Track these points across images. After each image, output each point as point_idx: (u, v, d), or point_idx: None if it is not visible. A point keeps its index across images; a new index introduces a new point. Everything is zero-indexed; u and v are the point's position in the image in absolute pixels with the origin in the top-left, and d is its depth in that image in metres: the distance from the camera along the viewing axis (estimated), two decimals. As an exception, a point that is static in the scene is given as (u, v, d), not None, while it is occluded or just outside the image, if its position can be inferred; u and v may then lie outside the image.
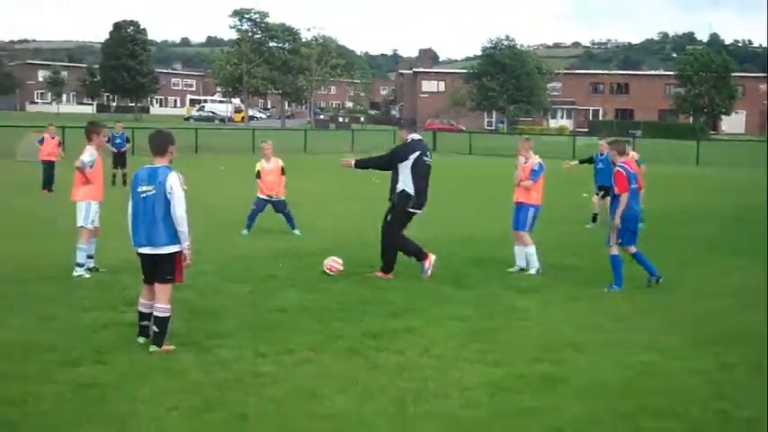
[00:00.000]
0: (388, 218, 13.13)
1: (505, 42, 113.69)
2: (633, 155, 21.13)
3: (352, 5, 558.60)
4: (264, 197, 17.22)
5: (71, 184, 13.16)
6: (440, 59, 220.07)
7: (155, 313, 8.66)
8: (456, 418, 6.96)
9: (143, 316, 8.89)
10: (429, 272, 12.92)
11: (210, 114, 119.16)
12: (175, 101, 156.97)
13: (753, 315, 10.97)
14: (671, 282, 13.17)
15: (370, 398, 7.39)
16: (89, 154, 12.81)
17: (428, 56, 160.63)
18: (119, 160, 27.71)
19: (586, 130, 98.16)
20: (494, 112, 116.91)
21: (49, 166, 25.66)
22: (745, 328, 10.27)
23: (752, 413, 7.25)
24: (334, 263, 12.96)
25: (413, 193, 12.81)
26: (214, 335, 9.25)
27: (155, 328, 8.64)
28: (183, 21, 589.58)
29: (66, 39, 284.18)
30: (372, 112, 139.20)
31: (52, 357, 8.27)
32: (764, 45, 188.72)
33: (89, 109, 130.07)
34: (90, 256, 12.72)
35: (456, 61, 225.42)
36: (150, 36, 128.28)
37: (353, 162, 13.59)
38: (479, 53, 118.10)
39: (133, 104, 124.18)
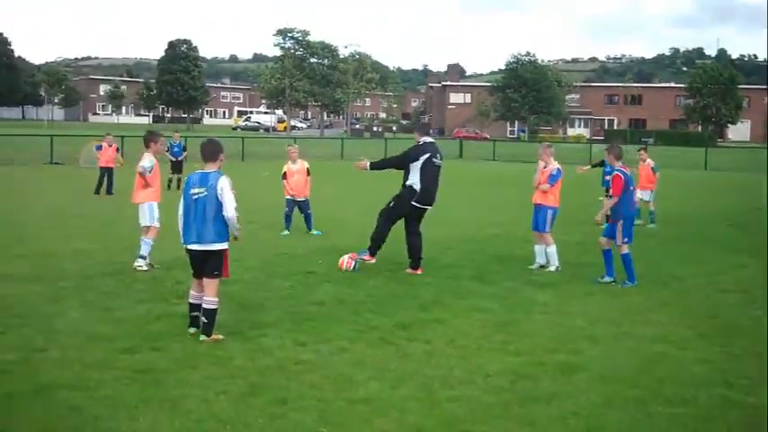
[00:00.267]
0: (391, 204, 13.17)
1: (527, 58, 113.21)
2: (649, 162, 21.10)
3: (387, 24, 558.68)
4: (290, 197, 17.19)
5: (130, 189, 13.29)
6: (466, 73, 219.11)
7: (204, 305, 8.72)
8: (479, 403, 6.93)
9: (193, 307, 8.94)
10: (354, 264, 12.85)
11: (256, 124, 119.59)
12: (224, 112, 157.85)
13: (757, 309, 10.83)
14: (681, 277, 13.08)
15: (400, 383, 7.38)
16: (148, 160, 12.95)
17: (456, 70, 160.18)
18: (176, 167, 27.88)
19: (602, 138, 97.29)
20: (516, 121, 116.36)
21: (107, 172, 25.83)
22: (750, 322, 10.17)
23: (756, 400, 7.18)
24: (350, 259, 13.02)
25: (418, 190, 12.81)
26: (258, 325, 9.29)
27: (204, 319, 8.69)
28: (231, 39, 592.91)
29: (125, 56, 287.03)
30: (404, 122, 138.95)
31: (112, 346, 8.35)
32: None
33: (146, 120, 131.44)
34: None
35: (481, 75, 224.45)
36: (202, 53, 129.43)
37: (369, 164, 13.60)
38: (503, 67, 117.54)
39: (186, 116, 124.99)
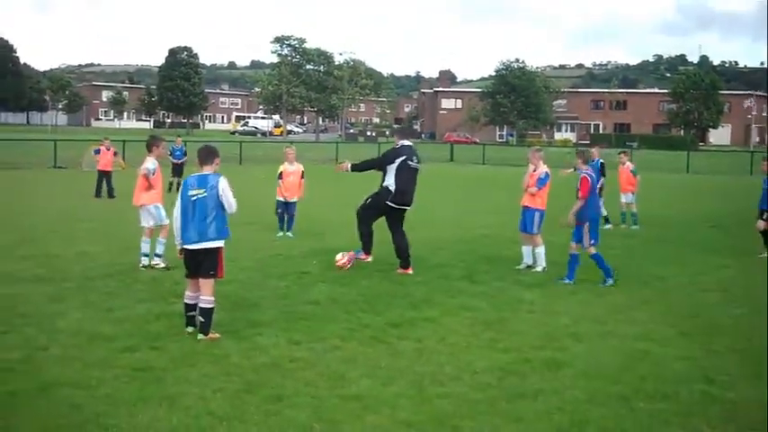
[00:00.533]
0: (368, 201, 13.21)
1: (516, 64, 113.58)
2: (629, 165, 21.15)
3: (380, 32, 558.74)
4: (281, 199, 17.11)
5: (131, 192, 13.26)
6: (457, 80, 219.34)
7: (200, 305, 8.72)
8: (468, 399, 6.93)
9: (189, 308, 8.94)
10: (350, 263, 12.90)
11: (254, 129, 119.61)
12: (223, 117, 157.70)
13: (737, 308, 10.86)
14: (663, 277, 13.11)
15: (391, 380, 7.38)
16: (151, 162, 12.96)
17: (447, 77, 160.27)
18: (177, 170, 27.87)
19: (588, 142, 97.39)
20: (505, 126, 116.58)
21: (105, 176, 25.73)
22: (730, 320, 10.20)
23: (736, 395, 7.19)
24: (348, 259, 13.03)
25: (393, 191, 12.84)
26: (254, 324, 9.27)
27: (201, 319, 8.69)
28: (230, 46, 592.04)
29: (127, 63, 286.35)
30: (396, 127, 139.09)
31: (112, 345, 8.32)
32: (748, 65, 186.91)
33: (147, 125, 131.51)
34: (146, 255, 12.83)
35: (472, 81, 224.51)
36: (201, 60, 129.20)
37: (350, 166, 13.61)
38: (493, 74, 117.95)
39: (186, 121, 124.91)
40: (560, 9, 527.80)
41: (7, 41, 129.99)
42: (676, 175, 45.67)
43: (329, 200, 24.16)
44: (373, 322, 9.54)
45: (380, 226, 13.45)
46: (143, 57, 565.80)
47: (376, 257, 13.34)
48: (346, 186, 29.58)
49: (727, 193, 32.59)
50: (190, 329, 8.84)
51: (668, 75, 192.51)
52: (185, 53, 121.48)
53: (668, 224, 20.87)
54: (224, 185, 8.81)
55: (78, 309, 9.94)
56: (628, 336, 9.25)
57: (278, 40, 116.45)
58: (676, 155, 60.05)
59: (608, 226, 19.55)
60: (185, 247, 8.85)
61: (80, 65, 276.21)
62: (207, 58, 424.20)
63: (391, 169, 12.90)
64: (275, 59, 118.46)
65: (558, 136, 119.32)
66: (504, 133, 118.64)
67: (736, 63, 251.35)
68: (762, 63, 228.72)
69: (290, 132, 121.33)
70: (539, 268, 13.30)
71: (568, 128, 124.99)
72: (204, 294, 8.70)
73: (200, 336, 8.60)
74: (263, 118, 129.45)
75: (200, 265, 8.78)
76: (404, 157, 12.93)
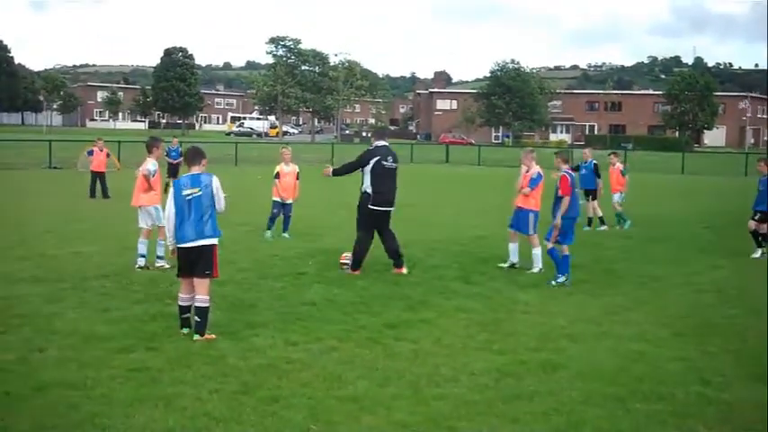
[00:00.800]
0: (358, 217, 13.14)
1: (511, 65, 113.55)
2: (618, 166, 21.27)
3: (376, 33, 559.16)
4: (278, 200, 17.07)
5: (127, 192, 13.25)
6: (453, 81, 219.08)
7: (196, 304, 8.72)
8: (465, 400, 6.94)
9: (183, 309, 8.96)
10: (348, 269, 12.89)
11: (249, 130, 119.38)
12: (218, 118, 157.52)
13: (731, 309, 10.91)
14: (658, 278, 13.14)
15: (388, 382, 7.39)
16: (152, 164, 12.97)
17: (442, 78, 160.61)
18: (173, 171, 27.86)
19: (583, 143, 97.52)
20: (500, 127, 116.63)
21: (98, 177, 25.64)
22: (725, 321, 10.22)
23: (731, 396, 7.21)
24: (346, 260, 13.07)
25: (371, 193, 12.78)
26: (251, 325, 9.27)
27: (197, 318, 8.70)
28: (225, 47, 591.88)
29: (122, 63, 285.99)
30: (392, 128, 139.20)
31: (108, 345, 8.31)
32: (742, 67, 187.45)
33: (142, 125, 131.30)
34: (143, 255, 12.82)
35: (467, 82, 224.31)
36: (197, 61, 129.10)
37: (332, 171, 13.60)
38: (488, 75, 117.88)
39: (181, 121, 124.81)
40: (555, 10, 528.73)
41: (1, 41, 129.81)
42: (671, 176, 45.77)
43: (325, 201, 24.15)
44: (370, 323, 9.54)
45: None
46: (138, 57, 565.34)
47: (372, 258, 13.33)
48: (342, 187, 29.60)
49: (721, 194, 32.66)
50: (185, 331, 8.84)
51: (663, 76, 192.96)
52: (180, 54, 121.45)
53: (663, 224, 20.91)
54: (217, 184, 8.97)
55: (74, 309, 9.92)
56: (623, 337, 9.27)
57: (273, 40, 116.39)
58: (671, 156, 60.20)
59: (603, 227, 19.60)
60: (180, 245, 8.87)
61: (75, 65, 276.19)
62: (202, 58, 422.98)
63: (366, 171, 12.82)
64: (270, 60, 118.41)
65: (553, 137, 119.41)
66: (500, 134, 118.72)
67: (731, 65, 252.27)
68: (756, 65, 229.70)
69: (285, 133, 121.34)
70: (535, 269, 13.30)
71: (564, 129, 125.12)
72: (199, 294, 8.72)
73: (196, 336, 8.60)
74: (258, 119, 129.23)
75: (195, 264, 8.80)
76: (377, 158, 12.83)
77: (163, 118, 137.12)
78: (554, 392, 7.18)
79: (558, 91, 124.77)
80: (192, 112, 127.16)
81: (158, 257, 12.82)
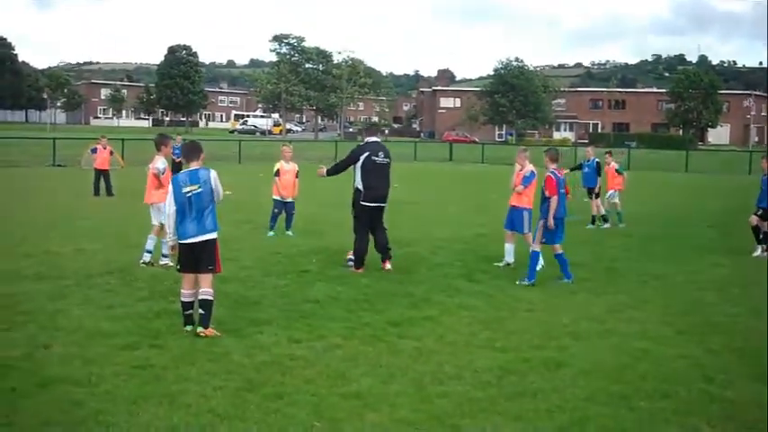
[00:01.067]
0: (353, 215, 13.14)
1: (515, 63, 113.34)
2: (614, 164, 21.30)
3: (379, 31, 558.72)
4: (279, 198, 17.07)
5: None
6: (456, 79, 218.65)
7: (200, 297, 8.74)
8: (468, 398, 6.95)
9: (186, 306, 8.98)
10: (351, 267, 12.90)
11: (253, 128, 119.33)
12: (222, 116, 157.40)
13: (734, 307, 10.90)
14: (661, 276, 13.14)
15: (392, 379, 7.40)
16: (161, 162, 13.02)
17: (446, 76, 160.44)
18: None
19: (587, 141, 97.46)
20: (504, 125, 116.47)
21: (102, 174, 25.67)
22: (727, 319, 10.22)
23: (734, 394, 7.21)
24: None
25: (362, 189, 12.77)
26: (255, 322, 9.29)
27: (201, 311, 8.71)
28: (229, 45, 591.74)
29: (126, 61, 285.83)
30: (396, 126, 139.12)
31: (113, 342, 8.34)
32: (747, 65, 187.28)
33: (146, 123, 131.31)
34: (149, 251, 12.86)
35: (471, 80, 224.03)
36: (200, 58, 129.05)
37: (325, 171, 13.60)
38: (492, 73, 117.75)
39: (184, 119, 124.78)
40: (559, 8, 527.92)
41: (5, 39, 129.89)
42: (675, 174, 45.72)
43: (328, 198, 24.14)
44: (373, 321, 9.55)
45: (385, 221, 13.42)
46: (142, 55, 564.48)
47: (375, 256, 13.32)
48: (344, 185, 29.61)
49: (725, 193, 32.62)
50: (188, 328, 8.85)
51: (667, 74, 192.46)
52: (184, 51, 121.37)
53: (666, 223, 20.91)
54: (215, 177, 9.01)
55: (78, 306, 9.96)
56: (627, 334, 9.27)
57: (277, 38, 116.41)
58: (675, 154, 60.08)
59: (606, 225, 19.63)
60: (182, 241, 8.91)
61: (78, 63, 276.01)
62: (206, 56, 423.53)
63: (357, 168, 12.83)
64: (274, 58, 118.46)
65: (556, 135, 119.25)
66: (504, 132, 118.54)
67: (735, 63, 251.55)
68: (760, 63, 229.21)
69: (289, 131, 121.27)
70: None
71: (567, 127, 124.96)
72: (204, 287, 8.76)
73: (200, 329, 8.62)
74: (262, 116, 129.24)
75: (199, 260, 8.84)
76: (367, 153, 12.82)
77: (166, 116, 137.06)
78: (557, 390, 7.19)
79: (561, 89, 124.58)
80: (195, 110, 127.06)
81: (163, 255, 12.85)
